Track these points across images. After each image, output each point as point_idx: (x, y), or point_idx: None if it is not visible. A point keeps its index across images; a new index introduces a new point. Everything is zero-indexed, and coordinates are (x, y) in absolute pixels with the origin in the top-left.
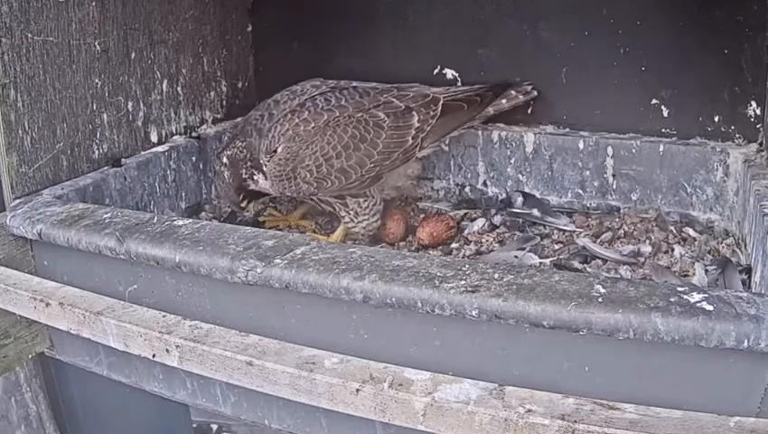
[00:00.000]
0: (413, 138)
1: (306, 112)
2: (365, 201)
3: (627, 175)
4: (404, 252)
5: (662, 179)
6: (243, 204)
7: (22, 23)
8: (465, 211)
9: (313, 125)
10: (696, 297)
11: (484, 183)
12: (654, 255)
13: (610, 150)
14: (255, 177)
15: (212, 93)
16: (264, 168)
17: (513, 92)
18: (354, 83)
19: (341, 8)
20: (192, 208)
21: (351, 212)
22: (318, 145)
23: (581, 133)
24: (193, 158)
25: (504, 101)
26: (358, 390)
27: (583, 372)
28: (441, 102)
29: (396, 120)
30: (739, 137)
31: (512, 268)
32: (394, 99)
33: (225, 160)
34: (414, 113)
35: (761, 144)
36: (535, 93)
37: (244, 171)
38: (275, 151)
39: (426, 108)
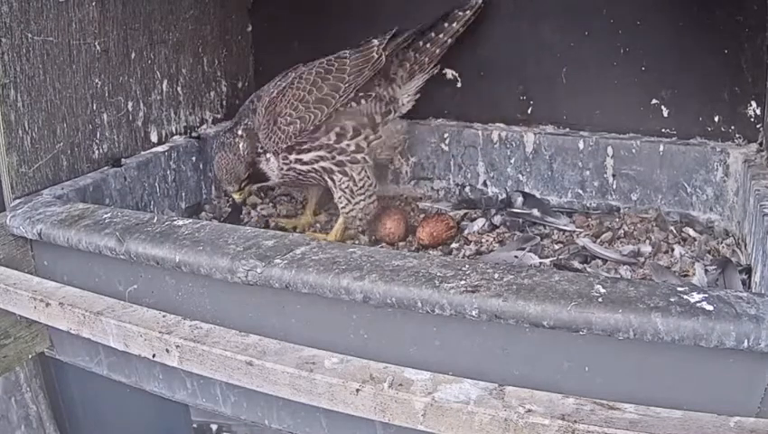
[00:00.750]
0: (377, 53)
1: (279, 82)
2: (360, 174)
3: (627, 175)
4: (404, 252)
5: (662, 179)
6: (243, 185)
7: (22, 23)
8: (465, 211)
9: (283, 85)
10: (696, 297)
11: (484, 183)
12: (654, 255)
13: (610, 150)
14: (267, 156)
15: (212, 93)
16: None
17: (459, 12)
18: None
19: (342, 8)
20: (192, 208)
21: (347, 190)
22: (289, 94)
23: (581, 133)
24: (193, 158)
25: (455, 24)
26: (358, 390)
27: (583, 372)
28: (393, 30)
29: (355, 49)
30: (739, 137)
31: (512, 268)
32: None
33: (241, 132)
34: (372, 39)
35: (761, 144)
36: (480, 1)
37: (259, 146)
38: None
39: (381, 34)
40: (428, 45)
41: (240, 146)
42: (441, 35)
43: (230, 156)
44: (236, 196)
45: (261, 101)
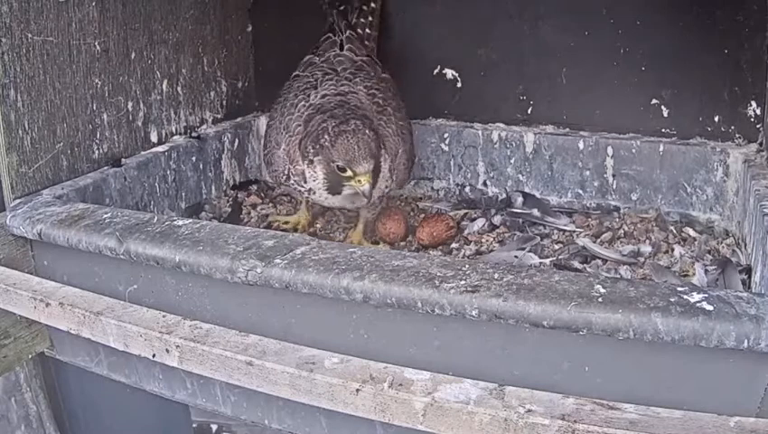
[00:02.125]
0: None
1: (384, 117)
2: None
3: (627, 175)
4: (404, 252)
5: (662, 179)
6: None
7: (22, 23)
8: (465, 211)
9: (391, 129)
10: (696, 297)
11: (484, 183)
12: (654, 255)
13: (610, 150)
14: (383, 154)
15: (212, 93)
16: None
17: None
18: (318, 71)
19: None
20: (192, 208)
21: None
22: (389, 129)
23: (581, 133)
24: (193, 158)
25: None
26: (358, 390)
27: (583, 372)
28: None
29: (348, 53)
30: (739, 137)
31: (512, 268)
32: (351, 75)
33: (355, 123)
34: (364, 67)
35: (761, 144)
36: None
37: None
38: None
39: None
40: (367, 30)
41: (358, 123)
42: (369, 17)
43: (357, 131)
44: (367, 181)
45: (365, 125)
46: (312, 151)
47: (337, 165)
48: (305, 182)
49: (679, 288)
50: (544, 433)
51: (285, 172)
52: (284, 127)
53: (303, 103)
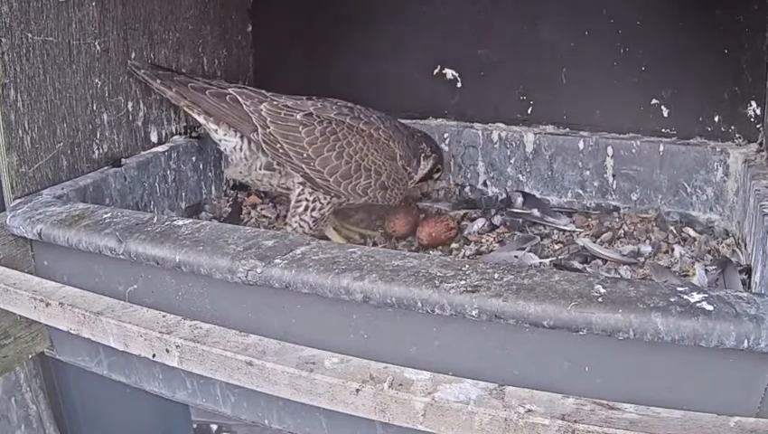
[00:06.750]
0: None
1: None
2: None
3: (627, 175)
4: (404, 252)
5: (662, 179)
6: None
7: (22, 23)
8: (465, 211)
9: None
10: (696, 297)
11: (484, 184)
12: (654, 255)
13: (610, 150)
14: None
15: None
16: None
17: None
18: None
19: (342, 8)
20: (192, 208)
21: None
22: None
23: (581, 133)
24: (193, 158)
25: None
26: (358, 390)
27: (583, 372)
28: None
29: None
30: (739, 137)
31: (512, 268)
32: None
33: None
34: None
35: (761, 144)
36: None
37: None
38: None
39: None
40: None
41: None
42: None
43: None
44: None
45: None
46: (429, 150)
47: (438, 167)
48: (416, 173)
49: (679, 288)
50: (544, 433)
51: (404, 178)
52: (385, 140)
53: (374, 121)
